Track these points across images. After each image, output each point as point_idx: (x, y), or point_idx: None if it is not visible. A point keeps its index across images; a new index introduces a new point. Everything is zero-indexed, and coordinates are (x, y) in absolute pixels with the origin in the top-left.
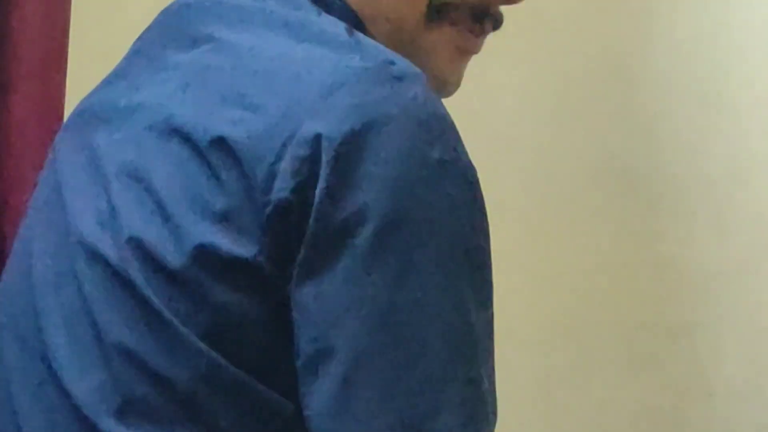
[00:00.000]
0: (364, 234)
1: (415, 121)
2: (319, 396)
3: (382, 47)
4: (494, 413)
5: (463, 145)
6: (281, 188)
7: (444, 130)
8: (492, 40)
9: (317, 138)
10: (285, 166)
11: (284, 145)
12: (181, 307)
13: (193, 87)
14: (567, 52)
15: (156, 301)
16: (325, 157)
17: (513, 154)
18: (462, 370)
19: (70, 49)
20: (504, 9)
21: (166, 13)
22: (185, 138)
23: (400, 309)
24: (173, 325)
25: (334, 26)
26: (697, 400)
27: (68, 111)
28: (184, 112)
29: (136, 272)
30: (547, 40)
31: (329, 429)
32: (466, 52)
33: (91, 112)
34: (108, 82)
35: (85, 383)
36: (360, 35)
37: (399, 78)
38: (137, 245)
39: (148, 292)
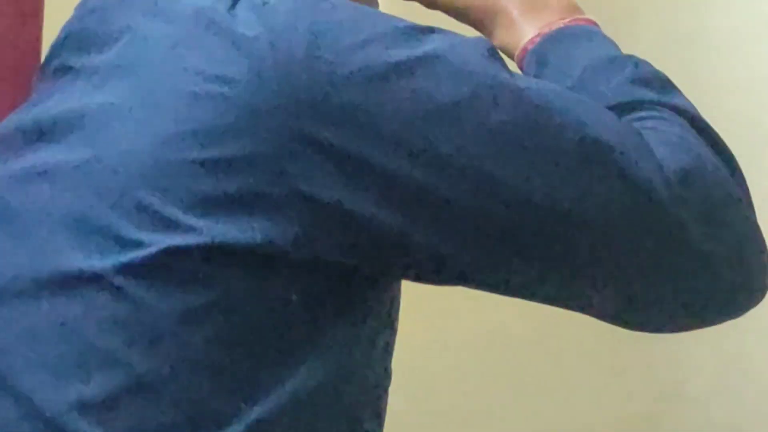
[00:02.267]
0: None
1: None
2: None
3: None
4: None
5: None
6: (297, 163)
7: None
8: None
9: (299, 99)
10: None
11: (283, 115)
12: (178, 305)
13: (142, 80)
14: None
15: (151, 304)
16: (320, 114)
17: None
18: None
19: (43, 54)
20: None
21: (75, 18)
22: (167, 138)
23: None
24: (166, 327)
25: None
26: (670, 404)
27: None
28: (145, 111)
29: (127, 278)
30: None
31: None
32: None
33: (18, 132)
34: (32, 102)
35: (60, 398)
36: None
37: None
38: (129, 252)
39: (140, 294)
